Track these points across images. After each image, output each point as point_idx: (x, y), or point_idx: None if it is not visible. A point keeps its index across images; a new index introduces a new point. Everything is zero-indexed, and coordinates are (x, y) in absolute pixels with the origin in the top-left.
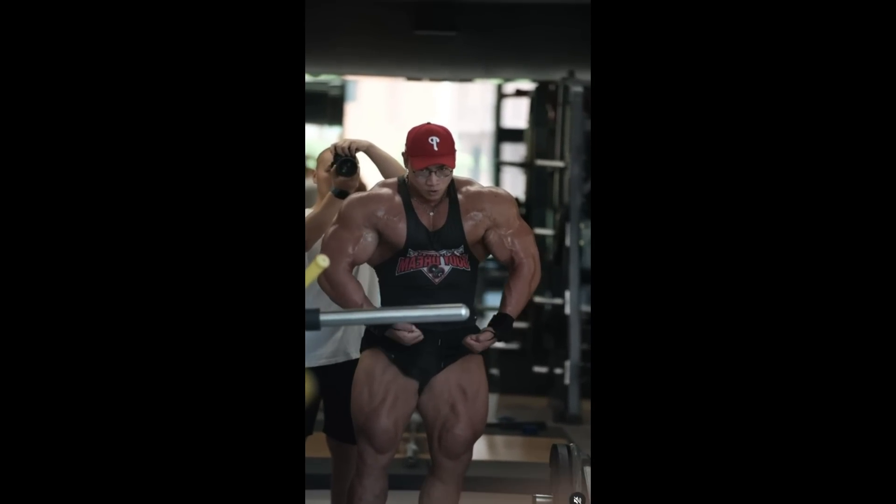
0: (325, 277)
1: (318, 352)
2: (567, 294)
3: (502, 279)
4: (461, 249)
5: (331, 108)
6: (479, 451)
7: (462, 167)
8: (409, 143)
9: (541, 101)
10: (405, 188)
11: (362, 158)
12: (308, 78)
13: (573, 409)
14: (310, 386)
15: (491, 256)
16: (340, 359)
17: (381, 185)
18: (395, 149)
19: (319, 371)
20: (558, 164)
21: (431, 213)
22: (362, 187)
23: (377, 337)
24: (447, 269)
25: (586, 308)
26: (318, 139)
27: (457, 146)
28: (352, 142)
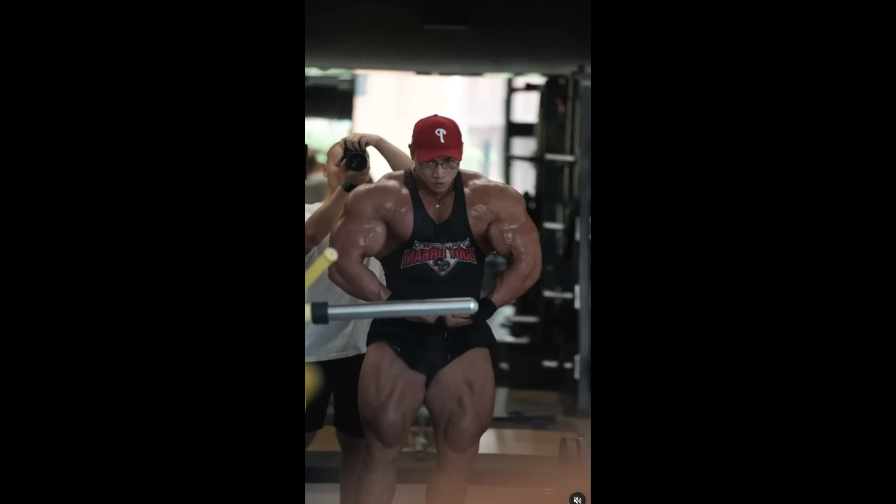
0: (338, 271)
1: (328, 346)
2: (577, 288)
3: None
4: (467, 242)
5: (340, 103)
6: (489, 444)
7: (472, 161)
8: (416, 135)
9: (551, 96)
10: (412, 180)
11: (372, 153)
12: (317, 72)
13: (583, 404)
14: (318, 379)
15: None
16: (350, 353)
17: (388, 177)
18: (404, 143)
19: (329, 365)
20: (568, 158)
21: (437, 206)
22: (370, 181)
23: (383, 331)
24: (453, 262)
25: None
26: (327, 133)
27: (467, 140)
28: (362, 136)
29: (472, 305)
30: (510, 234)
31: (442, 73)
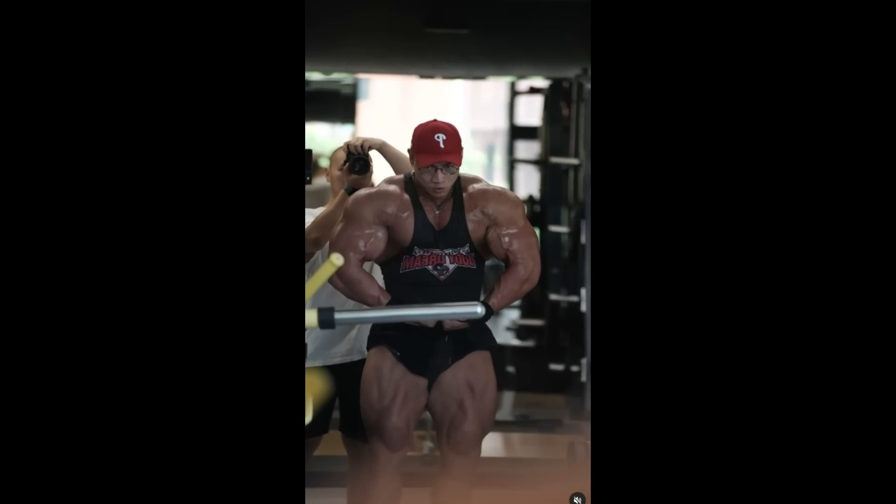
0: (339, 275)
1: (333, 350)
2: (583, 291)
3: None
4: (467, 248)
5: (343, 107)
6: (496, 448)
7: (475, 165)
8: (415, 140)
9: (555, 99)
10: (412, 185)
11: (375, 157)
12: (320, 76)
13: (590, 407)
14: (326, 384)
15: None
16: (355, 357)
17: (388, 181)
18: (407, 147)
19: (334, 369)
20: (573, 161)
21: (437, 212)
22: (373, 185)
23: (382, 335)
24: (452, 267)
25: None
26: (330, 137)
27: (470, 144)
28: (364, 140)
29: (479, 309)
30: (507, 239)
31: (445, 77)
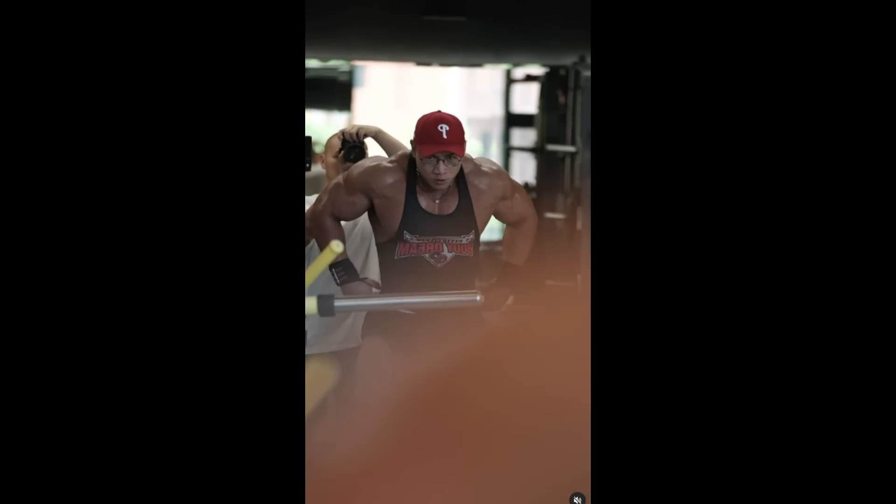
0: (310, 216)
1: (330, 337)
2: (578, 278)
3: None
4: (470, 236)
5: (339, 94)
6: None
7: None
8: (418, 130)
9: (551, 86)
10: (413, 172)
11: (370, 144)
12: (316, 63)
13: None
14: (330, 372)
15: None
16: (352, 344)
17: (393, 160)
18: (403, 134)
19: (331, 357)
20: (569, 148)
21: (438, 201)
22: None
23: (378, 324)
24: (449, 255)
25: None
26: (325, 125)
27: (467, 131)
28: (360, 127)
29: (479, 298)
30: (511, 204)
31: (441, 64)
